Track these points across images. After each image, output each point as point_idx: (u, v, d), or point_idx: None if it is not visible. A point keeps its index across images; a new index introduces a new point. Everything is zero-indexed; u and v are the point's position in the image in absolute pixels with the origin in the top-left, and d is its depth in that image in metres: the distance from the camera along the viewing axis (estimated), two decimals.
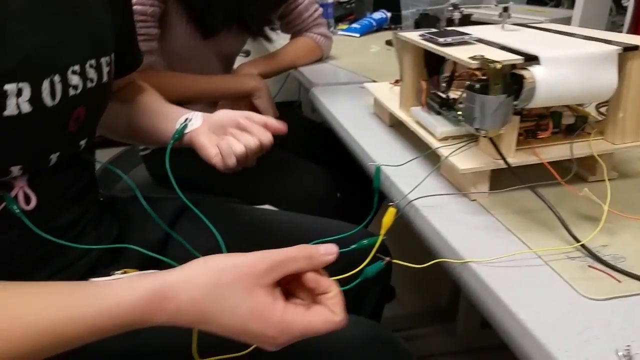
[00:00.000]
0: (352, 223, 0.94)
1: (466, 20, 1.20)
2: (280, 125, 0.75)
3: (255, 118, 0.75)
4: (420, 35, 0.72)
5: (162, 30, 1.13)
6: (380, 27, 1.79)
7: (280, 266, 0.46)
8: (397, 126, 0.90)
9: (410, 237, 0.64)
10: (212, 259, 0.47)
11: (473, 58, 0.59)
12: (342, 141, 0.96)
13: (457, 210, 0.62)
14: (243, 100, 1.26)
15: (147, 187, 1.34)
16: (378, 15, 1.78)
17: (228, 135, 0.75)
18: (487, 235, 0.57)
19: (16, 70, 0.56)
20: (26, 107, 0.57)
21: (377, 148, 0.84)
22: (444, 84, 0.76)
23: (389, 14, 1.80)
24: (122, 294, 0.45)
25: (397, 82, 0.95)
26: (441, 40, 0.67)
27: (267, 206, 1.21)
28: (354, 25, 1.76)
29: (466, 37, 0.68)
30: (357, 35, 1.72)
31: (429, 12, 0.99)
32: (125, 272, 0.50)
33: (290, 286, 0.50)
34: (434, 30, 0.72)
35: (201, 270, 0.46)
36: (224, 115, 0.77)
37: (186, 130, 0.77)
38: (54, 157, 0.65)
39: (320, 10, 1.38)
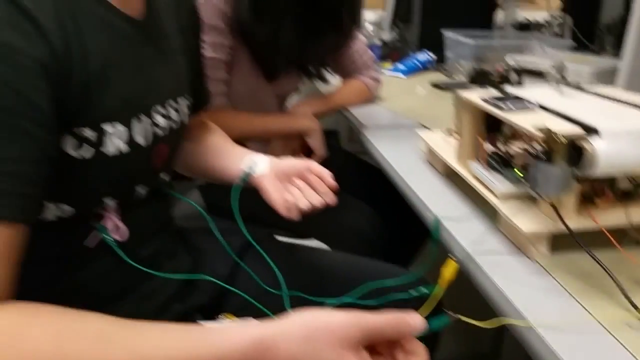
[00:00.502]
0: (396, 262, 0.99)
1: (519, 70, 1.25)
2: (332, 184, 0.81)
3: (315, 169, 0.81)
4: (481, 99, 0.77)
5: (229, 72, 1.20)
6: (425, 67, 1.84)
7: (371, 335, 0.50)
8: (451, 176, 0.94)
9: (459, 286, 0.68)
10: (307, 314, 0.52)
11: (538, 129, 0.64)
12: (396, 186, 1.00)
13: (518, 269, 0.66)
14: (296, 138, 1.32)
15: (197, 216, 1.40)
16: (422, 56, 1.84)
17: (293, 185, 0.81)
18: (549, 297, 0.61)
19: (113, 112, 0.64)
20: (120, 145, 0.65)
21: (432, 197, 0.88)
22: (502, 142, 0.81)
23: (433, 56, 1.85)
24: (236, 340, 0.49)
25: (450, 132, 1.00)
26: (503, 106, 0.72)
27: (314, 241, 1.26)
28: (400, 65, 1.82)
29: (527, 104, 0.73)
30: (403, 76, 1.77)
31: (483, 67, 1.04)
32: (227, 318, 0.55)
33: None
34: (495, 95, 0.77)
35: (298, 324, 0.50)
36: (289, 164, 0.83)
37: (254, 174, 0.83)
38: (140, 191, 0.72)
39: (372, 55, 1.45)
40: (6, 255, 0.52)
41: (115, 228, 0.69)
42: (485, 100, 0.76)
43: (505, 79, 1.00)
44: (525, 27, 2.23)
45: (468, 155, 0.85)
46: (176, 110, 0.76)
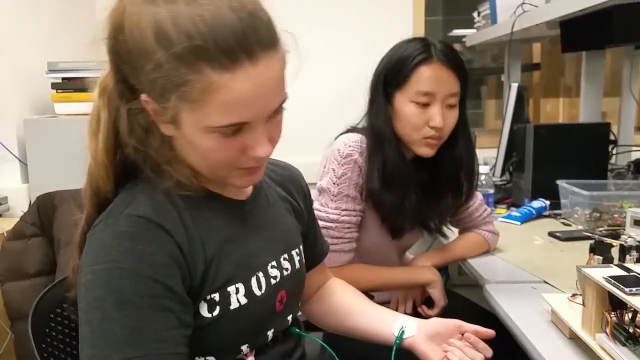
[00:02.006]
0: None
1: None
2: (489, 333, 0.89)
3: (467, 327, 0.90)
4: (604, 278, 0.84)
5: (359, 231, 1.35)
6: (539, 214, 1.90)
7: None
8: (577, 339, 0.98)
9: None
10: None
11: None
12: (521, 346, 1.05)
13: None
14: (417, 289, 1.42)
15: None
16: (537, 204, 1.90)
17: (449, 345, 0.90)
18: None
19: (234, 276, 0.79)
20: (243, 300, 0.79)
21: None
22: (628, 318, 0.86)
23: (547, 202, 1.91)
24: None
25: (574, 296, 1.05)
26: (627, 289, 0.78)
27: None
28: (514, 212, 1.89)
29: None
30: (518, 223, 1.84)
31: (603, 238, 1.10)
32: None
33: None
34: (617, 273, 0.83)
35: None
36: (438, 324, 0.93)
37: (404, 337, 0.93)
38: (269, 334, 0.86)
39: (489, 210, 1.55)
40: None
41: None
42: (608, 280, 0.82)
43: (624, 250, 1.06)
44: None
45: (594, 325, 0.90)
46: (288, 261, 0.91)
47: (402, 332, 0.93)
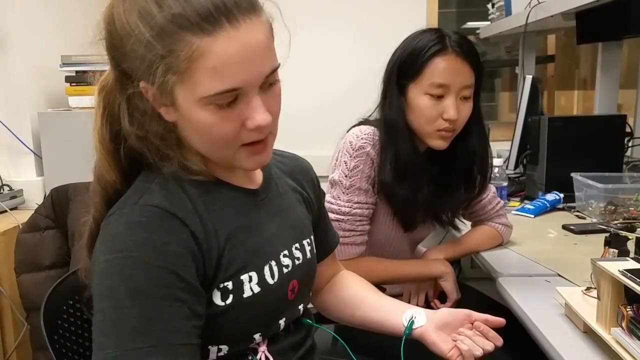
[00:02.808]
0: None
1: None
2: (500, 321, 0.88)
3: (477, 316, 0.90)
4: (619, 271, 0.83)
5: (371, 223, 1.35)
6: (553, 207, 1.88)
7: None
8: (591, 333, 0.97)
9: None
10: None
11: None
12: (534, 340, 1.04)
13: None
14: (429, 282, 1.41)
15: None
16: (551, 196, 1.88)
17: (459, 335, 0.90)
18: None
19: (247, 264, 0.80)
20: (256, 288, 0.80)
21: (571, 354, 0.92)
22: None
23: (561, 195, 1.89)
24: None
25: (588, 289, 1.04)
26: None
27: None
28: (528, 205, 1.87)
29: None
30: (532, 215, 1.82)
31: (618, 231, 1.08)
32: None
33: None
34: (633, 267, 0.82)
35: None
36: (448, 314, 0.93)
37: (414, 327, 0.93)
38: (282, 322, 0.86)
39: (502, 203, 1.53)
40: None
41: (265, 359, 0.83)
42: (624, 273, 0.81)
43: None
44: None
45: (609, 319, 0.89)
46: (300, 251, 0.91)
47: (412, 323, 0.93)
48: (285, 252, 0.88)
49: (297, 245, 0.91)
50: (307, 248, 0.94)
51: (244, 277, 0.79)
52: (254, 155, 0.78)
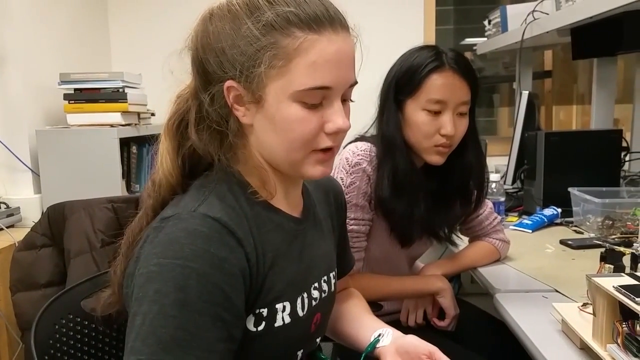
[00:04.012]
0: None
1: None
2: None
3: (439, 356, 0.87)
4: (614, 287, 0.82)
5: (368, 240, 1.35)
6: (551, 222, 1.88)
7: None
8: (588, 350, 0.97)
9: None
10: None
11: None
12: (531, 356, 1.03)
13: None
14: (427, 298, 1.40)
15: None
16: (549, 211, 1.88)
17: None
18: None
19: (284, 293, 0.79)
20: (287, 319, 0.79)
21: None
22: None
23: (559, 210, 1.89)
24: None
25: (584, 305, 1.03)
26: (638, 299, 0.77)
27: None
28: (525, 220, 1.87)
29: None
30: (529, 230, 1.82)
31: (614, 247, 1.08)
32: None
33: None
34: (628, 283, 0.82)
35: None
36: (411, 342, 0.90)
37: (377, 345, 0.92)
38: (299, 355, 0.85)
39: (499, 218, 1.53)
40: None
41: None
42: (619, 290, 0.81)
43: (636, 258, 1.04)
44: None
45: (604, 335, 0.89)
46: (327, 284, 0.90)
47: (377, 341, 0.92)
48: (316, 284, 0.87)
49: (325, 278, 0.91)
50: (333, 281, 0.94)
51: (279, 306, 0.79)
52: (319, 164, 0.80)
